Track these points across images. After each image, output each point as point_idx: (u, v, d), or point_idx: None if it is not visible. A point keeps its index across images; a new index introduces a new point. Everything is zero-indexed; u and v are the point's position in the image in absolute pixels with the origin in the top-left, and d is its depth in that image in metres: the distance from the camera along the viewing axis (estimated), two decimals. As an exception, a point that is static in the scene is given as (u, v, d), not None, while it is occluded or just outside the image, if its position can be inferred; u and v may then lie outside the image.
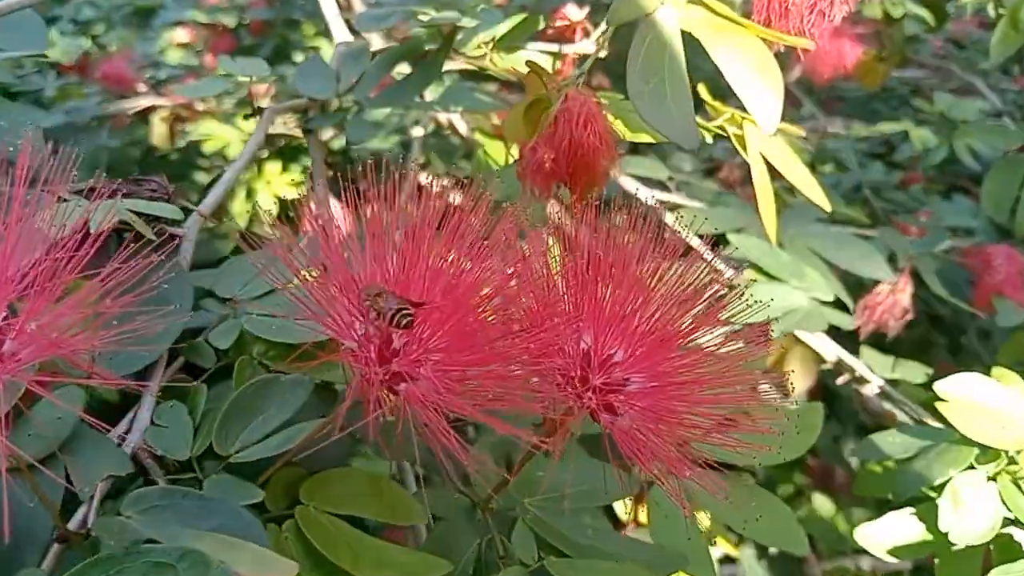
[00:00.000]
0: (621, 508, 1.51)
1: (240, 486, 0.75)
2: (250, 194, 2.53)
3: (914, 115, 2.58)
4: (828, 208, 1.17)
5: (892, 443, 1.26)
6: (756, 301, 0.76)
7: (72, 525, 0.72)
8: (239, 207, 2.53)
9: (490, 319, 0.73)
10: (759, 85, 0.85)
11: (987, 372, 2.06)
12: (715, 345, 0.77)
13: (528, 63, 0.99)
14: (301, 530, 0.74)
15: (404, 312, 0.67)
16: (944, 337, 2.47)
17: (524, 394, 0.70)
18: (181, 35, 3.24)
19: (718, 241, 1.42)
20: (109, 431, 0.75)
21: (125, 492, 0.77)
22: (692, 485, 0.74)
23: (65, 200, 0.82)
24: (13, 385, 0.61)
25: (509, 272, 0.75)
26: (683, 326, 0.76)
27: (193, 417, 0.82)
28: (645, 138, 1.04)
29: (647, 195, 1.66)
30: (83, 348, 0.63)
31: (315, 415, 0.81)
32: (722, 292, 0.77)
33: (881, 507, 2.26)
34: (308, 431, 0.76)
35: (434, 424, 0.67)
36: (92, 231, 0.74)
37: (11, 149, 0.72)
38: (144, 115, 2.80)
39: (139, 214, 0.87)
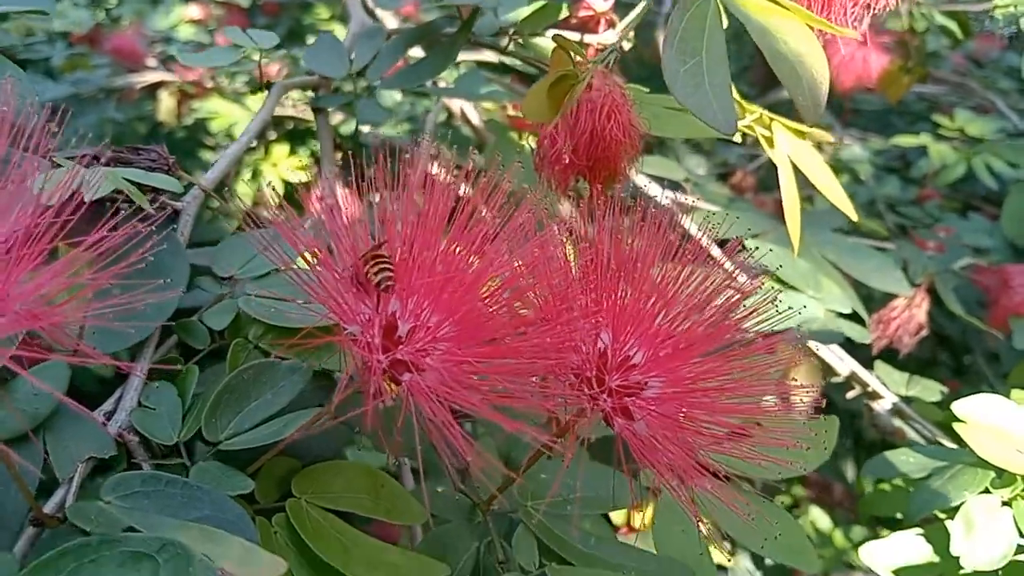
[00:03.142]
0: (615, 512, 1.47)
1: (229, 475, 0.71)
2: (256, 175, 2.50)
3: (933, 130, 2.54)
4: (854, 217, 1.12)
5: (906, 462, 1.22)
6: (787, 308, 0.72)
7: (49, 507, 0.68)
8: (245, 188, 2.50)
9: (503, 310, 0.69)
10: (804, 72, 0.80)
11: (994, 393, 2.03)
12: (738, 352, 0.73)
13: (555, 37, 0.93)
14: (292, 525, 0.70)
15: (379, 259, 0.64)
16: (951, 357, 2.44)
17: (535, 392, 0.66)
18: (194, 11, 3.20)
19: (743, 246, 1.38)
20: (91, 414, 0.70)
21: (108, 473, 0.73)
22: (705, 496, 0.70)
23: (59, 165, 0.78)
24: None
25: (525, 261, 0.70)
26: (706, 330, 0.72)
27: (183, 399, 0.78)
28: (671, 133, 0.99)
29: (663, 195, 1.62)
30: (66, 321, 0.58)
31: (312, 404, 0.77)
32: (749, 298, 0.73)
33: (875, 524, 2.24)
34: (303, 420, 0.72)
35: (438, 417, 0.63)
36: (85, 199, 0.70)
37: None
38: (152, 90, 2.77)
39: (137, 184, 0.83)
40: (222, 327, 0.85)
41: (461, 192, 0.72)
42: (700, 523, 0.70)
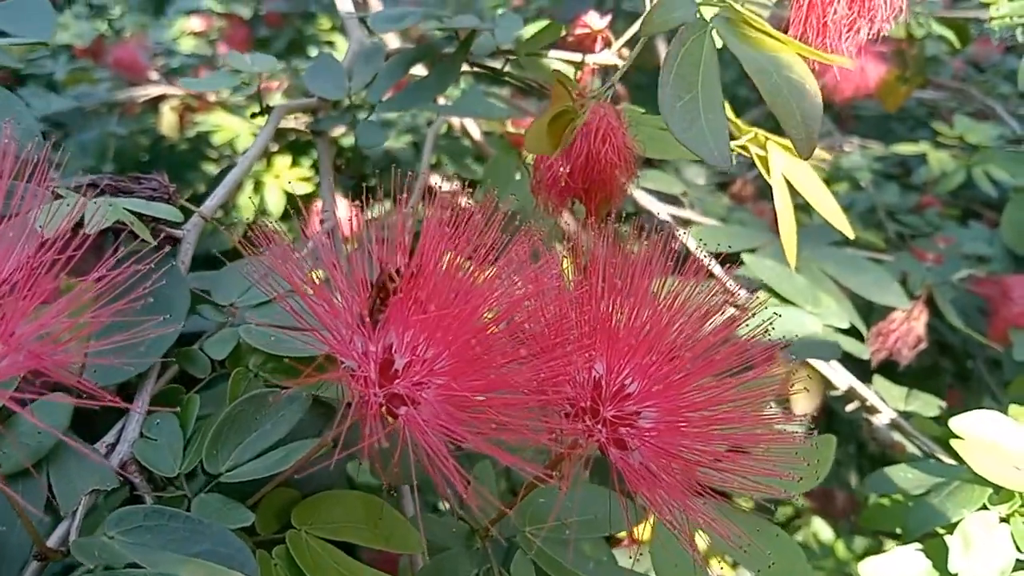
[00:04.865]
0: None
1: (230, 507, 0.72)
2: (258, 187, 2.51)
3: (932, 137, 2.54)
4: (851, 234, 1.13)
5: (905, 478, 1.23)
6: (781, 338, 0.73)
7: (53, 541, 0.69)
8: (246, 200, 2.51)
9: (498, 343, 0.70)
10: (799, 106, 0.81)
11: (996, 402, 2.03)
12: (734, 380, 0.73)
13: (554, 72, 0.95)
14: (291, 556, 0.70)
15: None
16: (952, 365, 2.44)
17: (530, 424, 0.67)
18: (196, 23, 3.22)
19: (731, 260, 1.39)
20: (94, 449, 0.71)
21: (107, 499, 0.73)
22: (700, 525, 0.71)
23: (60, 196, 0.79)
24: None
25: (520, 294, 0.71)
26: (702, 358, 0.73)
27: (184, 430, 0.79)
28: (666, 154, 1.00)
29: (661, 210, 1.63)
30: (69, 362, 0.59)
31: (311, 432, 0.78)
32: (743, 326, 0.74)
33: (877, 534, 2.23)
34: (303, 452, 0.73)
35: (434, 451, 0.64)
36: (86, 231, 0.71)
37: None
38: (155, 103, 2.79)
39: (137, 214, 0.84)
40: (223, 357, 0.86)
41: (457, 224, 0.73)
42: (698, 554, 0.71)
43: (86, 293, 0.62)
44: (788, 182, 1.07)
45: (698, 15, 0.88)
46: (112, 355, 0.61)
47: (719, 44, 0.86)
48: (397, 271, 0.64)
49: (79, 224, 0.74)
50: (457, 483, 0.63)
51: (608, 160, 0.97)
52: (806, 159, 0.82)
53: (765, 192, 2.68)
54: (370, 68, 1.24)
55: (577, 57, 1.31)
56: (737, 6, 0.89)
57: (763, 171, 1.08)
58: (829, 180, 2.68)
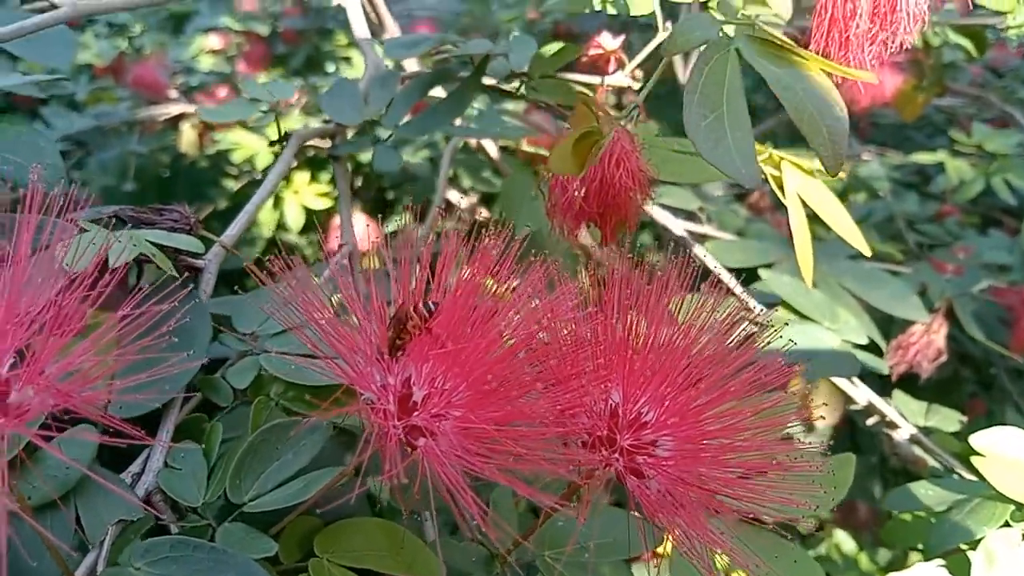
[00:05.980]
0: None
1: (253, 536, 0.73)
2: (277, 202, 2.53)
3: (950, 145, 2.53)
4: (868, 253, 1.13)
5: (926, 495, 1.22)
6: (800, 359, 0.73)
7: (80, 572, 0.70)
8: (266, 216, 2.53)
9: (515, 374, 0.70)
10: (825, 123, 0.81)
11: (1019, 413, 2.01)
12: (751, 405, 0.74)
13: (578, 95, 0.95)
14: (314, 585, 0.71)
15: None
16: (974, 374, 2.42)
17: (547, 454, 0.68)
18: (214, 41, 3.26)
19: (748, 278, 1.39)
20: (119, 480, 0.72)
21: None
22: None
23: (84, 230, 0.80)
24: (17, 437, 0.59)
25: (536, 325, 0.72)
26: (718, 386, 0.73)
27: (208, 458, 0.80)
28: (680, 177, 1.00)
29: (677, 225, 1.63)
30: (97, 399, 0.60)
31: (332, 460, 0.79)
32: (761, 353, 0.74)
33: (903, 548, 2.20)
34: (324, 481, 0.74)
35: (452, 483, 0.65)
36: (110, 266, 0.72)
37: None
38: (175, 122, 2.82)
39: (159, 246, 0.85)
40: (245, 386, 0.87)
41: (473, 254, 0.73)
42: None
43: (112, 329, 0.64)
44: (803, 201, 1.07)
45: (720, 34, 0.88)
46: (137, 391, 0.62)
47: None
48: (418, 308, 0.65)
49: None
50: (476, 514, 0.64)
51: (622, 184, 0.97)
52: (834, 175, 0.82)
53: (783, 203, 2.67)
54: (386, 92, 1.25)
55: (591, 79, 1.31)
56: (759, 22, 0.89)
57: (777, 191, 1.08)
58: (847, 190, 2.67)
